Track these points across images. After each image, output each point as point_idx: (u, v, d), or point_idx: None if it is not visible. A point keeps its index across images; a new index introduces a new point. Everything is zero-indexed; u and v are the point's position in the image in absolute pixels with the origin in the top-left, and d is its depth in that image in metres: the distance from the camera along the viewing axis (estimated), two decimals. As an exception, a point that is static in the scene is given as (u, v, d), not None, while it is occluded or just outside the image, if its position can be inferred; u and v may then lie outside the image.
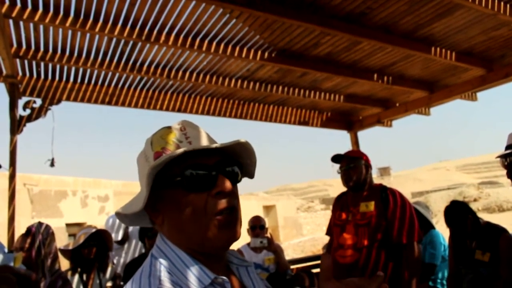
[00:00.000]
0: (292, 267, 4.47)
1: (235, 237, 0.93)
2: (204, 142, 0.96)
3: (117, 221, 4.28)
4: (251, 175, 1.09)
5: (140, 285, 0.84)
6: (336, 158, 3.22)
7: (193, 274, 0.89)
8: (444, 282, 3.98)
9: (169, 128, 0.98)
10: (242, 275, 1.04)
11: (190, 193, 0.90)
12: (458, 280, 3.56)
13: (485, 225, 3.52)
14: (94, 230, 3.41)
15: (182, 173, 0.90)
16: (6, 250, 2.91)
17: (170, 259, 0.91)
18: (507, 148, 2.58)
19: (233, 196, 0.94)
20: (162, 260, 0.90)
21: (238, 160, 1.01)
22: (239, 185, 1.01)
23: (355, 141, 6.61)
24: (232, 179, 0.95)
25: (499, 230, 3.44)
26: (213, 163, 0.92)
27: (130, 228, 4.44)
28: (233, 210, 0.93)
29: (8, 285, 2.31)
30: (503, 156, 2.57)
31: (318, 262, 5.07)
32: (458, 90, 5.37)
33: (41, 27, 3.36)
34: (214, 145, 0.92)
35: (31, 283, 2.53)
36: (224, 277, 0.92)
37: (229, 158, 0.98)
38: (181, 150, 0.88)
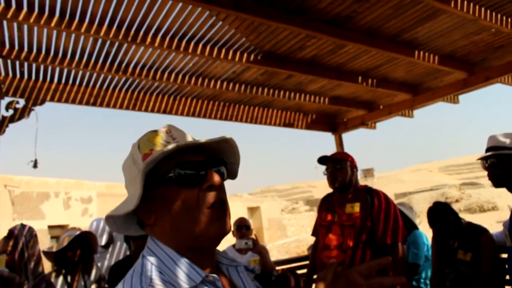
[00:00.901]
0: (277, 268, 4.48)
1: (227, 228, 0.97)
2: (191, 141, 0.99)
3: (101, 225, 4.24)
4: (234, 175, 1.13)
5: (132, 285, 0.85)
6: (322, 160, 3.25)
7: (184, 273, 0.90)
8: (428, 281, 4.04)
9: (155, 132, 1.01)
10: (232, 275, 1.06)
11: (181, 189, 0.93)
12: (441, 279, 3.63)
13: (467, 225, 3.60)
14: (78, 232, 3.38)
15: (173, 169, 0.93)
16: None
17: (161, 258, 0.92)
18: (487, 150, 2.63)
19: (222, 190, 0.98)
20: (152, 260, 0.92)
21: (223, 159, 1.05)
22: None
23: (339, 143, 6.66)
24: (219, 175, 0.98)
25: (481, 230, 3.52)
26: (202, 160, 0.97)
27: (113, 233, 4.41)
28: (224, 203, 0.97)
29: None
30: (483, 158, 2.62)
31: (303, 263, 5.09)
32: (440, 93, 5.46)
33: (25, 27, 3.31)
34: (203, 140, 0.96)
35: (14, 285, 2.50)
36: (215, 275, 0.94)
37: (215, 157, 1.03)
38: (173, 145, 0.92)
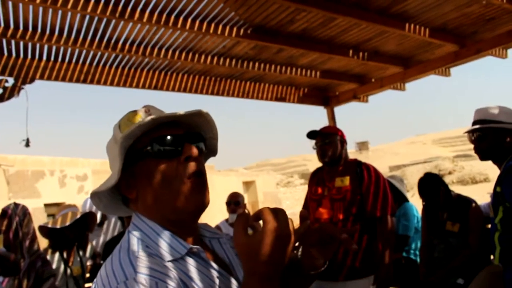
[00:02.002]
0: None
1: (205, 201, 0.99)
2: (166, 113, 1.01)
3: (92, 204, 4.28)
4: (214, 151, 1.16)
5: (120, 260, 0.87)
6: (311, 134, 3.27)
7: (169, 245, 0.93)
8: (417, 252, 4.14)
9: (134, 111, 1.04)
10: (215, 246, 1.10)
11: (159, 162, 0.96)
12: (430, 250, 3.72)
13: (456, 197, 3.67)
14: (79, 214, 3.42)
15: (151, 142, 0.96)
16: None
17: (146, 233, 0.95)
18: (473, 123, 2.66)
19: (200, 162, 1.01)
20: (138, 235, 0.95)
21: (200, 134, 1.07)
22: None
23: (331, 117, 6.67)
24: (198, 149, 1.01)
25: (469, 201, 3.59)
26: (179, 133, 1.00)
27: None
28: (202, 174, 0.99)
29: None
30: (470, 132, 2.65)
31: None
32: (432, 65, 5.45)
33: (10, 3, 3.26)
34: (178, 112, 0.98)
35: (10, 263, 2.54)
36: (199, 247, 0.97)
37: (193, 132, 1.05)
38: (148, 118, 0.95)
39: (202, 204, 0.98)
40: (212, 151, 1.15)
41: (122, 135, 0.94)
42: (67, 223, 3.37)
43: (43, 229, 3.46)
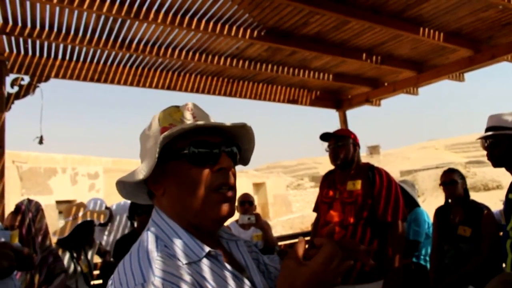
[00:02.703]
0: (280, 243, 4.56)
1: (231, 213, 1.00)
2: (210, 121, 1.01)
3: (98, 204, 4.33)
4: (246, 161, 1.15)
5: (139, 258, 0.88)
6: (324, 136, 3.26)
7: (188, 247, 0.93)
8: (427, 258, 4.10)
9: (177, 107, 1.04)
10: (233, 249, 1.10)
11: (193, 167, 0.96)
12: (440, 256, 3.68)
13: (471, 202, 3.65)
14: (80, 222, 3.45)
15: (189, 146, 0.96)
16: (1, 227, 2.94)
17: (165, 232, 0.96)
18: (487, 130, 2.63)
19: (232, 175, 1.00)
20: (157, 233, 0.95)
21: (238, 144, 1.07)
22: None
23: (343, 120, 6.66)
24: (232, 160, 1.01)
25: (482, 207, 3.56)
26: (217, 142, 0.99)
27: (114, 207, 4.51)
28: (232, 188, 1.00)
29: (8, 260, 2.38)
30: (483, 138, 2.63)
31: (306, 238, 5.16)
32: (445, 70, 5.42)
33: (28, 3, 3.31)
34: (223, 123, 0.99)
35: (24, 257, 2.58)
36: (217, 250, 0.97)
37: (230, 140, 1.05)
38: (192, 123, 0.95)
39: (228, 214, 0.99)
40: (244, 161, 1.15)
41: (163, 135, 0.93)
42: (66, 234, 3.42)
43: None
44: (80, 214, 3.52)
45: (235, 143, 1.06)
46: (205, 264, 0.93)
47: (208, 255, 0.94)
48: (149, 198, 1.06)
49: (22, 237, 3.05)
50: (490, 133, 2.57)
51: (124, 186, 1.04)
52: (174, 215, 0.98)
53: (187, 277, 0.85)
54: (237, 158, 1.07)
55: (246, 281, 0.99)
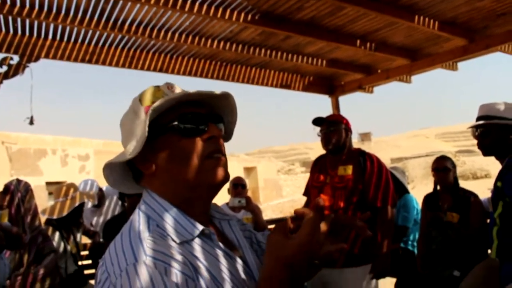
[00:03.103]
0: (269, 226, 4.58)
1: (226, 177, 1.00)
2: (196, 90, 1.01)
3: (89, 184, 4.33)
4: (229, 135, 1.16)
5: (130, 239, 0.87)
6: (317, 121, 3.26)
7: (181, 226, 0.93)
8: (415, 243, 4.16)
9: (157, 87, 1.03)
10: (225, 228, 1.10)
11: (183, 138, 0.96)
12: (428, 242, 3.73)
13: (459, 189, 3.71)
14: (78, 203, 3.47)
15: (176, 119, 0.96)
16: None
17: (157, 211, 0.95)
18: (478, 119, 2.65)
19: (222, 143, 1.02)
20: (149, 213, 0.95)
21: (221, 116, 1.08)
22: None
23: (336, 106, 6.66)
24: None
25: (470, 195, 3.62)
26: (204, 113, 1.00)
27: (104, 188, 4.52)
28: (223, 154, 1.01)
29: None
30: (474, 127, 2.65)
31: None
32: (439, 59, 5.42)
33: (18, -20, 3.24)
34: (213, 91, 1.00)
35: (13, 236, 2.58)
36: (211, 229, 0.97)
37: (215, 114, 1.06)
38: (182, 93, 0.96)
39: (224, 179, 0.99)
40: (228, 135, 1.16)
41: (153, 106, 0.93)
42: (64, 213, 3.43)
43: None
44: (72, 194, 3.53)
45: (219, 115, 1.07)
46: (198, 243, 0.92)
47: (201, 234, 0.94)
48: (136, 182, 1.05)
49: (11, 217, 3.04)
50: (481, 122, 2.59)
51: (111, 172, 1.02)
52: (166, 193, 0.97)
53: (180, 257, 0.84)
54: (222, 130, 1.08)
55: (239, 260, 1.00)
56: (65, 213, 3.42)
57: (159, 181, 0.98)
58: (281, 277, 0.81)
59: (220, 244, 0.97)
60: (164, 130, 0.96)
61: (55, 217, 3.43)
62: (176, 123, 0.96)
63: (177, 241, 0.89)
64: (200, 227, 0.94)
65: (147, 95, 1.01)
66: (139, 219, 0.93)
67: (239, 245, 1.07)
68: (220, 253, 0.95)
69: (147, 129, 0.92)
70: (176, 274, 0.80)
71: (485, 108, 2.66)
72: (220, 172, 0.98)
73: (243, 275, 0.97)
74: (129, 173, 1.05)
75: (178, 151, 0.96)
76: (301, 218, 0.90)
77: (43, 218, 3.36)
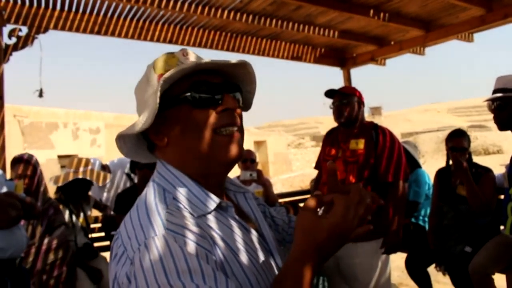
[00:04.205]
0: (280, 200, 4.59)
1: (240, 155, 0.95)
2: (209, 60, 0.96)
3: (97, 163, 4.31)
4: (248, 105, 1.10)
5: (148, 212, 0.84)
6: (329, 93, 3.19)
7: (198, 199, 0.90)
8: (426, 219, 4.13)
9: (171, 53, 0.98)
10: (240, 201, 1.08)
11: (196, 110, 0.91)
12: (439, 217, 3.71)
13: (473, 164, 3.63)
14: (81, 177, 3.48)
15: (189, 89, 0.91)
16: (6, 178, 2.94)
17: (173, 183, 0.92)
18: (494, 92, 2.58)
19: (238, 115, 0.96)
20: (165, 186, 0.92)
21: (239, 85, 1.02)
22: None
23: (347, 78, 6.57)
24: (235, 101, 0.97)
25: (484, 169, 3.55)
26: (218, 82, 0.95)
27: (109, 163, 4.54)
28: (238, 128, 0.96)
29: (16, 209, 2.42)
30: (490, 100, 2.57)
31: (306, 196, 5.20)
32: (455, 30, 5.26)
33: None
34: (228, 61, 0.94)
35: (29, 206, 2.61)
36: (228, 202, 0.95)
37: (232, 83, 1.00)
38: (193, 63, 0.89)
39: (237, 155, 0.94)
40: (246, 105, 1.10)
41: (163, 77, 0.88)
42: (69, 179, 3.46)
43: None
44: (82, 169, 3.54)
45: (236, 84, 1.01)
46: (214, 215, 0.90)
47: (218, 207, 0.92)
48: (150, 152, 1.02)
49: (31, 188, 3.07)
50: (498, 95, 2.52)
51: (124, 142, 1.00)
52: (180, 165, 0.94)
53: (198, 229, 0.82)
54: (240, 101, 1.02)
55: (255, 233, 0.98)
56: (60, 183, 3.45)
57: (172, 154, 0.95)
58: (314, 261, 0.80)
59: (236, 216, 0.95)
60: (176, 101, 0.92)
61: (60, 184, 3.45)
62: (188, 94, 0.91)
63: (195, 214, 0.86)
64: (217, 200, 0.92)
65: (160, 63, 0.96)
66: (154, 191, 0.90)
67: (255, 218, 1.05)
68: (236, 225, 0.93)
69: (158, 100, 0.87)
70: (196, 248, 0.77)
71: (503, 80, 2.58)
72: (233, 150, 0.93)
73: (259, 247, 0.95)
74: (143, 143, 1.02)
75: (190, 123, 0.91)
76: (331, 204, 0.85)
77: (48, 185, 3.39)
